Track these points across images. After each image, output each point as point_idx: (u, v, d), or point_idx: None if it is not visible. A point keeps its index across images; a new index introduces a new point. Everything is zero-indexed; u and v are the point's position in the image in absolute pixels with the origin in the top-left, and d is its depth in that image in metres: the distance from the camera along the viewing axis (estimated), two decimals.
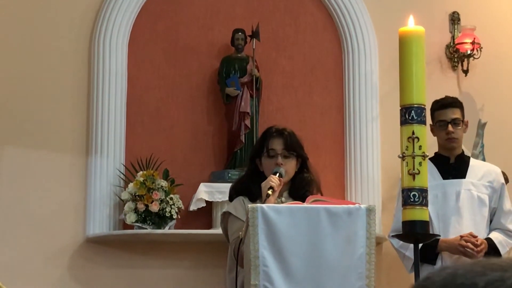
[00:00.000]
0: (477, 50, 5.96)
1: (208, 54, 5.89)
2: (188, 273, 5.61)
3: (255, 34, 5.77)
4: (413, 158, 3.73)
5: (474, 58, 5.98)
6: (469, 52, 5.97)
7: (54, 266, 5.52)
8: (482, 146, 5.67)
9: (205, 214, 5.63)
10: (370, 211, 3.82)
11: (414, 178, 3.73)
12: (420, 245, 3.96)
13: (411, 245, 4.64)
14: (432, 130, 4.99)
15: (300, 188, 4.28)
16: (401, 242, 4.74)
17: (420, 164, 3.73)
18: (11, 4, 5.70)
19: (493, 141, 5.80)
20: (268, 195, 4.01)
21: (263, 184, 4.09)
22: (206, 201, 5.58)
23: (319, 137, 5.86)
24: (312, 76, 5.96)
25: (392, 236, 4.72)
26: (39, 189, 5.57)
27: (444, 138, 4.99)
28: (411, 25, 3.84)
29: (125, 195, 5.49)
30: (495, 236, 4.89)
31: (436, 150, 5.06)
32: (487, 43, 6.00)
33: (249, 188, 4.26)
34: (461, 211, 4.89)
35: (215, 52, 5.89)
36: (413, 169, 3.72)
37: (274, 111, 5.89)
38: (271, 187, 4.04)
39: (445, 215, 4.89)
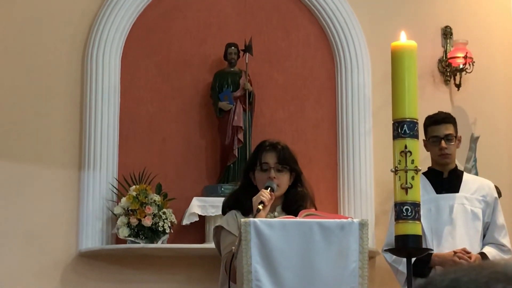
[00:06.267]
0: (469, 64, 5.98)
1: (200, 68, 5.89)
2: (181, 287, 5.59)
3: (248, 48, 5.77)
4: (406, 172, 3.72)
5: (467, 72, 6.00)
6: (461, 66, 5.99)
7: (46, 281, 5.50)
8: (475, 160, 5.67)
9: (198, 228, 5.62)
10: (363, 225, 3.81)
11: (406, 192, 3.71)
12: (413, 259, 3.95)
13: (405, 260, 4.64)
14: (425, 146, 4.99)
15: (293, 202, 4.25)
16: (394, 256, 4.73)
17: (412, 178, 3.71)
18: (3, 18, 5.70)
19: (485, 155, 5.80)
20: (258, 210, 3.98)
21: (254, 198, 4.06)
22: (199, 216, 5.57)
23: (312, 150, 5.85)
24: (305, 90, 5.97)
25: (385, 250, 4.71)
26: (32, 203, 5.55)
27: (437, 153, 4.99)
28: (403, 40, 3.84)
29: (117, 210, 5.48)
30: (489, 251, 4.88)
31: (429, 164, 5.06)
32: (479, 57, 6.01)
33: (241, 202, 4.23)
34: (455, 225, 4.89)
35: (207, 66, 5.89)
36: (406, 183, 3.71)
37: (267, 125, 5.88)
38: (261, 202, 4.02)
39: (439, 229, 4.89)
